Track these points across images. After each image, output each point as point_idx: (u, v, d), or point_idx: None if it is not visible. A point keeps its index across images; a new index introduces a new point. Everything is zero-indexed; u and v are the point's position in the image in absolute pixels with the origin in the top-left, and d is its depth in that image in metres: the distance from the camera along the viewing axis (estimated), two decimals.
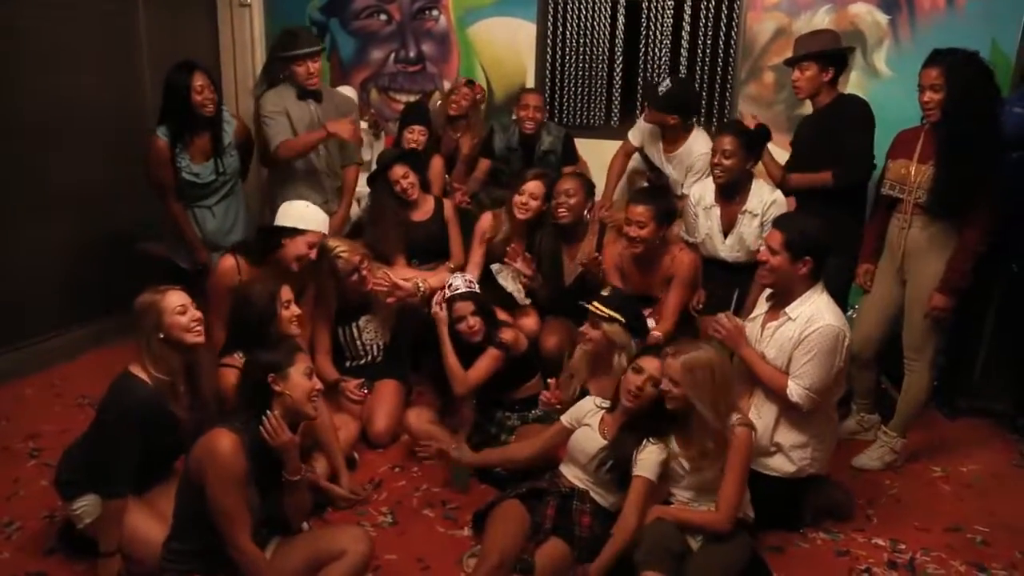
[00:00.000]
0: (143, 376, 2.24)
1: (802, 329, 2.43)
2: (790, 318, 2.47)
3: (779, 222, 2.59)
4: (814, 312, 2.44)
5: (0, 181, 3.52)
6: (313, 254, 2.98)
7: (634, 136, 3.76)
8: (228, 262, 3.00)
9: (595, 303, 2.69)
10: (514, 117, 3.91)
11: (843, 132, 3.07)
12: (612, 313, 2.64)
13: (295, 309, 2.74)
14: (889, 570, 2.48)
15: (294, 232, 2.94)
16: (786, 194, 3.18)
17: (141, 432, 2.19)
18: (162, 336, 2.23)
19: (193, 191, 3.41)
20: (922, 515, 2.77)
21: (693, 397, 2.22)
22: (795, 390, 2.43)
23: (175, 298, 2.27)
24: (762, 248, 2.55)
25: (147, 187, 3.49)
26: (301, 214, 2.98)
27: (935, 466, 3.11)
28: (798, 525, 2.64)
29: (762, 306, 2.65)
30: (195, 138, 3.35)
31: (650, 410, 2.34)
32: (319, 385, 2.16)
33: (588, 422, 2.48)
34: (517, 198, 3.35)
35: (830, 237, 2.52)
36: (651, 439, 2.31)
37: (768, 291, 2.64)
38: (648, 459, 2.29)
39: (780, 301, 2.54)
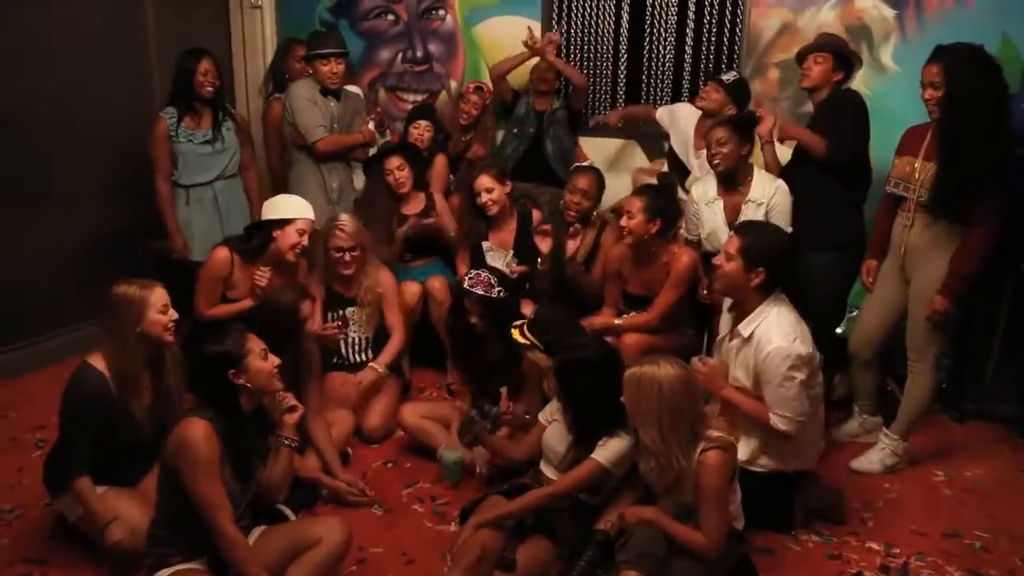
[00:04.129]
0: (99, 367, 2.28)
1: (755, 354, 2.41)
2: (744, 338, 2.45)
3: (740, 228, 2.55)
4: (761, 334, 2.40)
5: (11, 180, 3.61)
6: (305, 240, 3.05)
7: (662, 116, 3.75)
8: (222, 253, 3.09)
9: (517, 330, 2.63)
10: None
11: (837, 120, 2.99)
12: (532, 340, 2.57)
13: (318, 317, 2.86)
14: (881, 575, 2.43)
15: (283, 223, 3.01)
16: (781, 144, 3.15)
17: (94, 420, 2.24)
18: (140, 331, 2.27)
19: (192, 162, 3.54)
20: (920, 519, 2.72)
21: (631, 411, 2.15)
22: (778, 421, 2.41)
23: (160, 295, 2.31)
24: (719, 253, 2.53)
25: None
26: (287, 205, 3.06)
27: (938, 470, 3.04)
28: (789, 527, 2.61)
29: (727, 321, 2.62)
30: (197, 119, 3.57)
31: (595, 405, 2.29)
32: (278, 361, 2.15)
33: (558, 418, 2.46)
34: (477, 199, 3.48)
35: (791, 251, 2.50)
36: (618, 432, 2.27)
37: (728, 303, 2.60)
38: (608, 448, 2.26)
39: (738, 314, 2.51)
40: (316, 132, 3.67)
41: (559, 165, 3.98)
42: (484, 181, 3.47)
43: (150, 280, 2.35)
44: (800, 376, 2.37)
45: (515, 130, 4.07)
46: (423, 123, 3.96)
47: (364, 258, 3.25)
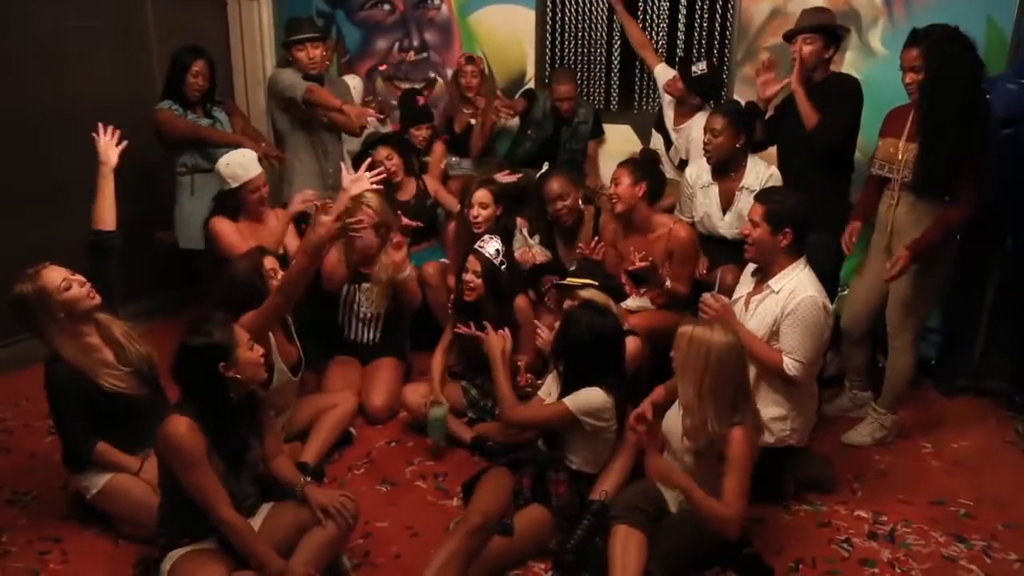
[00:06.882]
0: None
1: (785, 303, 2.48)
2: (773, 291, 2.53)
3: (760, 196, 2.64)
4: (796, 285, 2.49)
5: (15, 174, 3.67)
6: (264, 190, 3.25)
7: (660, 71, 3.78)
8: (220, 223, 3.27)
9: (567, 278, 2.81)
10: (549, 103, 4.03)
11: (834, 102, 3.05)
12: (584, 280, 2.77)
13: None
14: (869, 540, 2.52)
15: (243, 187, 3.22)
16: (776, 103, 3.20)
17: (79, 404, 2.34)
18: (58, 316, 2.31)
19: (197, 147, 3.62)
20: (908, 489, 2.80)
21: (676, 364, 2.25)
22: (791, 364, 2.47)
23: (54, 275, 2.32)
24: (745, 223, 2.61)
25: (164, 168, 3.76)
26: (239, 168, 3.20)
27: (926, 442, 3.13)
28: (781, 497, 2.69)
29: (746, 283, 2.70)
30: (190, 113, 3.67)
31: (584, 365, 2.43)
32: (262, 350, 2.19)
33: (550, 391, 2.56)
34: (468, 212, 3.41)
35: (811, 211, 2.56)
36: (593, 387, 2.38)
37: (751, 267, 2.68)
38: (579, 396, 2.39)
39: (763, 276, 2.59)
40: (301, 84, 3.64)
41: None
42: (480, 195, 3.41)
43: (38, 266, 2.37)
44: (826, 330, 2.49)
45: (529, 131, 4.08)
46: (424, 126, 4.05)
47: (387, 236, 3.28)
